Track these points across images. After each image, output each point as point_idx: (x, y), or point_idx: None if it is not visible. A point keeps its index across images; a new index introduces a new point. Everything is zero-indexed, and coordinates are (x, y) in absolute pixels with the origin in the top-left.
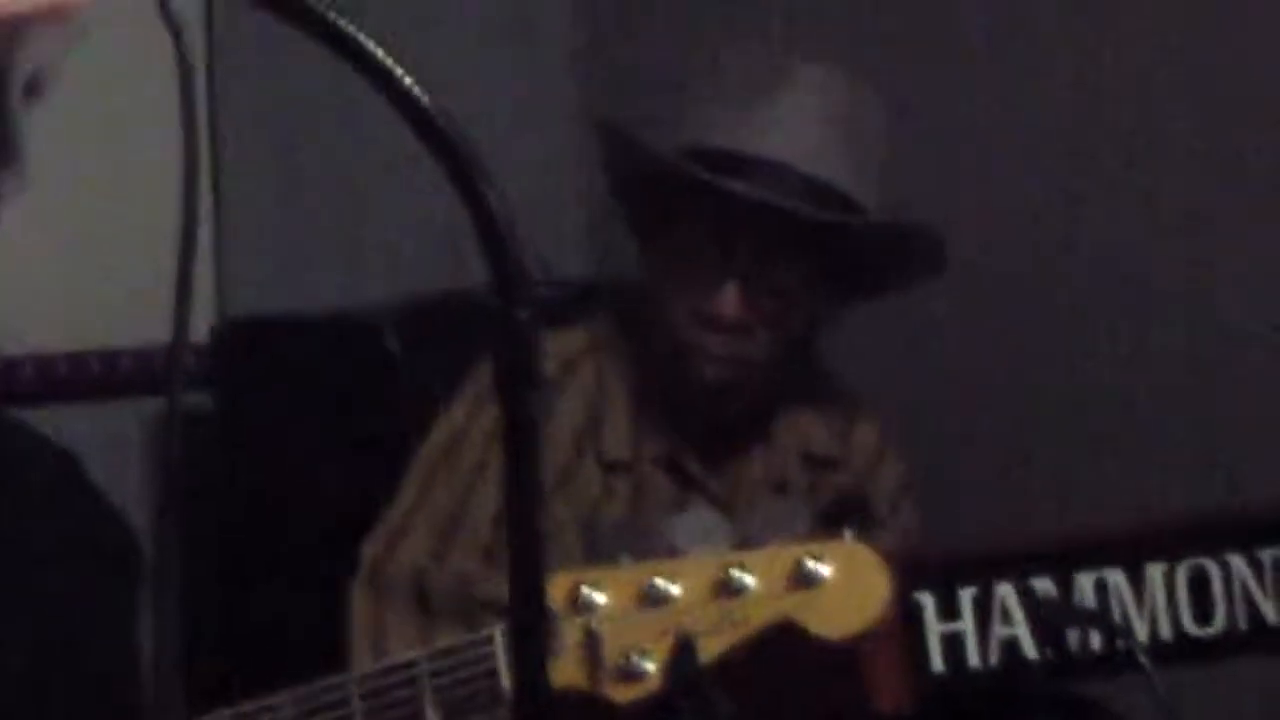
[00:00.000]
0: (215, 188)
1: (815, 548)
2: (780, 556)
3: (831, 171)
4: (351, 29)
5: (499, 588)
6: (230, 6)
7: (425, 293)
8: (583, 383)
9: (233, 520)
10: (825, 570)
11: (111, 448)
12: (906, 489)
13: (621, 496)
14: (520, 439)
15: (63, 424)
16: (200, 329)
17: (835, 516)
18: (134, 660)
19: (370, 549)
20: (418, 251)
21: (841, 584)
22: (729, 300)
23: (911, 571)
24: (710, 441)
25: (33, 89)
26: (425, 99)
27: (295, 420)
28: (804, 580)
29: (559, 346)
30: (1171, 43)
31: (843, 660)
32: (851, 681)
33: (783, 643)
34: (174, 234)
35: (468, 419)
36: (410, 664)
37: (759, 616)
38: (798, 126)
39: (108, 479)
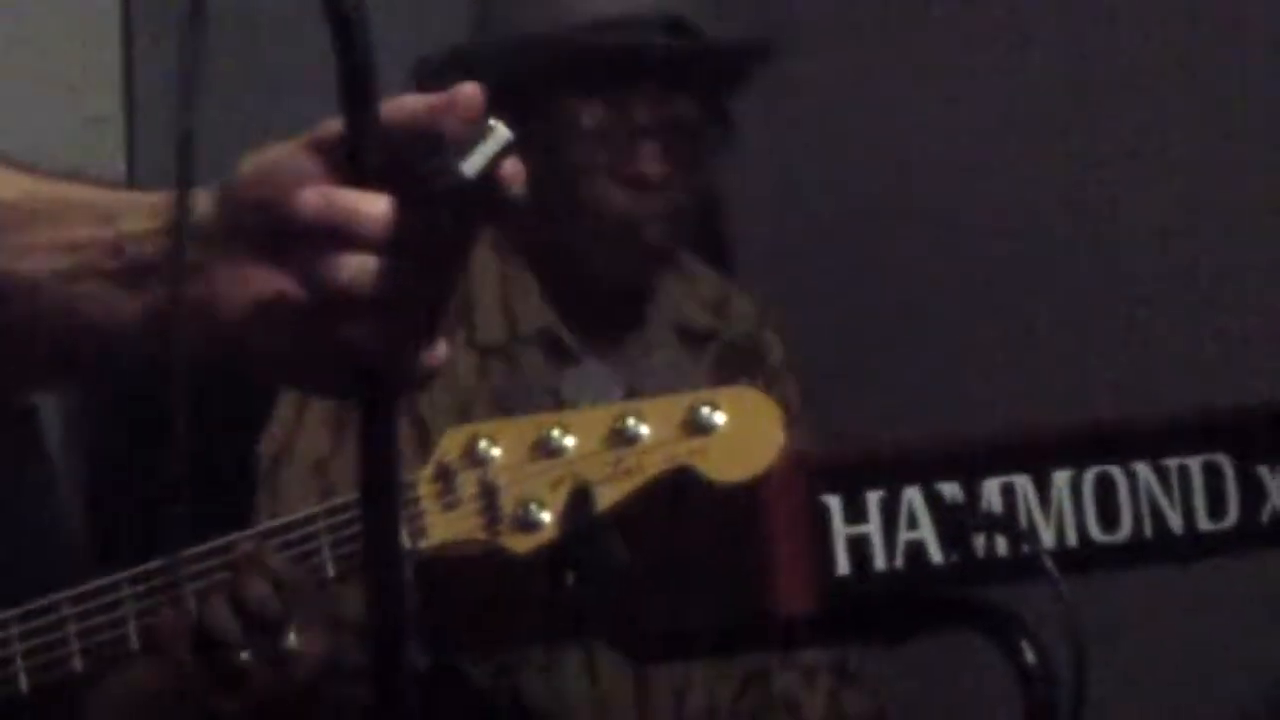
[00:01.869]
0: (127, 82)
1: (708, 394)
2: (674, 404)
3: (680, 8)
4: None
5: None
6: None
7: None
8: None
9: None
10: (719, 417)
11: None
12: (787, 366)
13: (497, 377)
14: None
15: None
16: None
17: (728, 366)
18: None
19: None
20: None
21: (736, 429)
22: (650, 156)
23: (818, 474)
24: (585, 318)
25: None
26: None
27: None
28: (698, 427)
29: None
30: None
31: (739, 506)
32: (749, 528)
33: (678, 489)
34: (81, 130)
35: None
36: (309, 519)
37: (654, 464)
38: None
39: None
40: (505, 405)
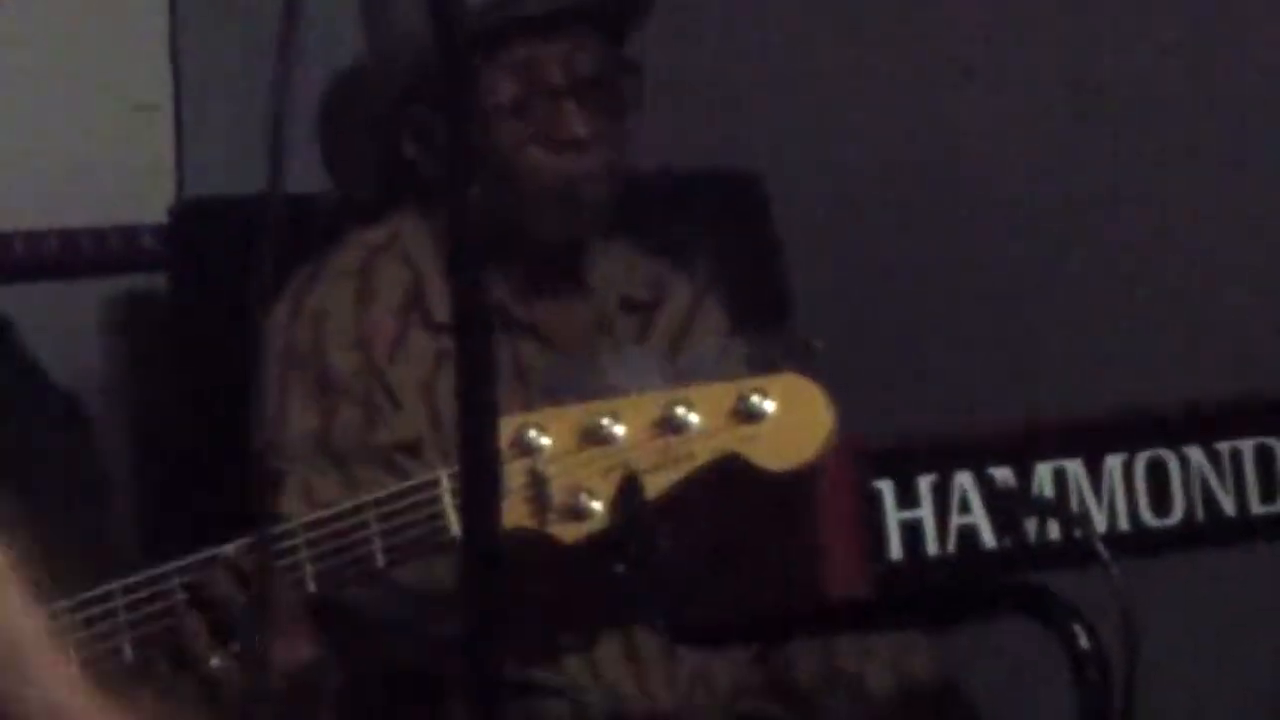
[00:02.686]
0: (175, 70)
1: (758, 382)
2: (723, 392)
3: None
4: None
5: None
6: None
7: None
8: (393, 264)
9: (180, 399)
10: (768, 404)
11: (67, 326)
12: (730, 334)
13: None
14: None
15: (20, 300)
16: (158, 210)
17: (774, 352)
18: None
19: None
20: None
21: (785, 417)
22: (572, 116)
23: (869, 459)
24: (529, 289)
25: None
26: None
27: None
28: (747, 415)
29: (361, 240)
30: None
31: (788, 494)
32: (799, 515)
33: (727, 477)
34: (129, 118)
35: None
36: (358, 508)
37: (703, 452)
38: None
39: (63, 356)
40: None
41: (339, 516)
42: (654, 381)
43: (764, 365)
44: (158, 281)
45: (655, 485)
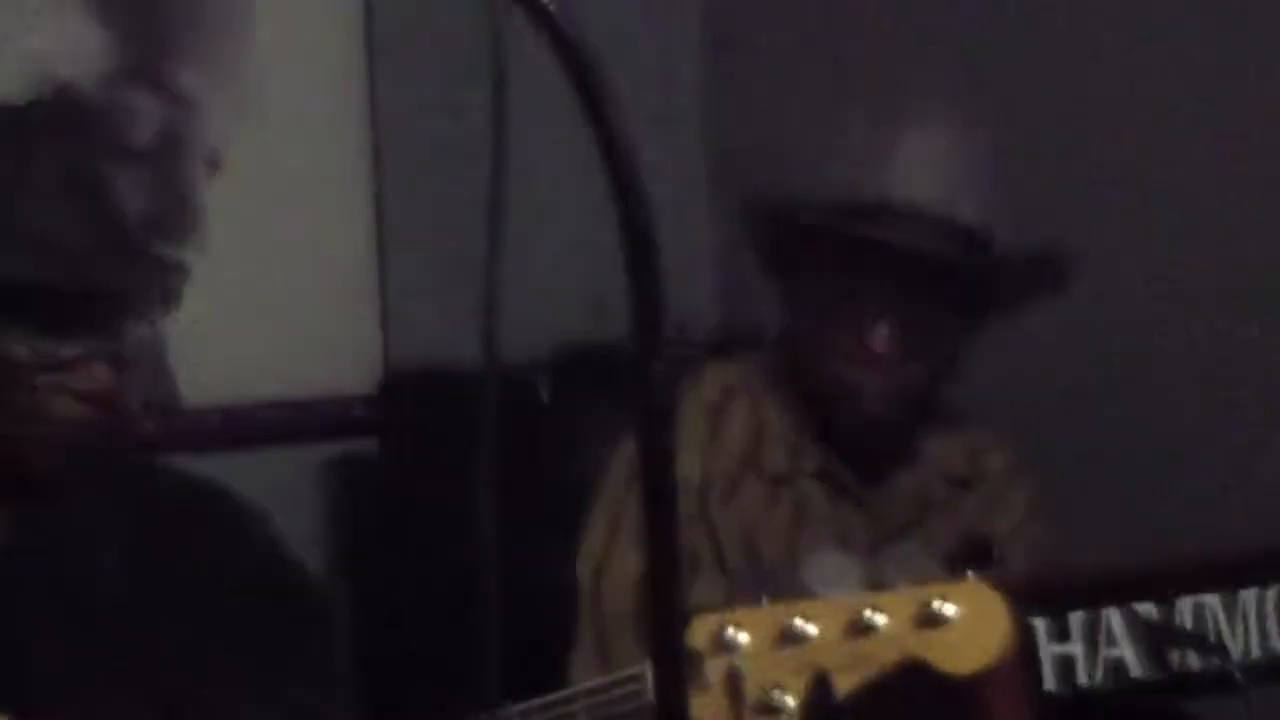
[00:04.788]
0: (380, 246)
1: (942, 589)
2: (909, 597)
3: (960, 211)
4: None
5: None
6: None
7: (572, 344)
8: (742, 407)
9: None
10: (951, 610)
11: (286, 492)
12: (1033, 510)
13: (784, 507)
14: (657, 481)
15: (241, 470)
16: (367, 379)
17: (960, 557)
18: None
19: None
20: (564, 303)
21: (966, 623)
22: (881, 338)
23: (1025, 597)
24: (862, 458)
25: (213, 162)
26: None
27: (452, 466)
28: (931, 620)
29: (717, 376)
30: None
31: (968, 695)
32: (975, 715)
33: (912, 679)
34: (337, 293)
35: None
36: (569, 699)
37: (889, 654)
38: (926, 171)
39: (284, 522)
40: (789, 537)
41: (550, 705)
42: (846, 584)
43: (950, 568)
44: (369, 446)
45: (844, 684)
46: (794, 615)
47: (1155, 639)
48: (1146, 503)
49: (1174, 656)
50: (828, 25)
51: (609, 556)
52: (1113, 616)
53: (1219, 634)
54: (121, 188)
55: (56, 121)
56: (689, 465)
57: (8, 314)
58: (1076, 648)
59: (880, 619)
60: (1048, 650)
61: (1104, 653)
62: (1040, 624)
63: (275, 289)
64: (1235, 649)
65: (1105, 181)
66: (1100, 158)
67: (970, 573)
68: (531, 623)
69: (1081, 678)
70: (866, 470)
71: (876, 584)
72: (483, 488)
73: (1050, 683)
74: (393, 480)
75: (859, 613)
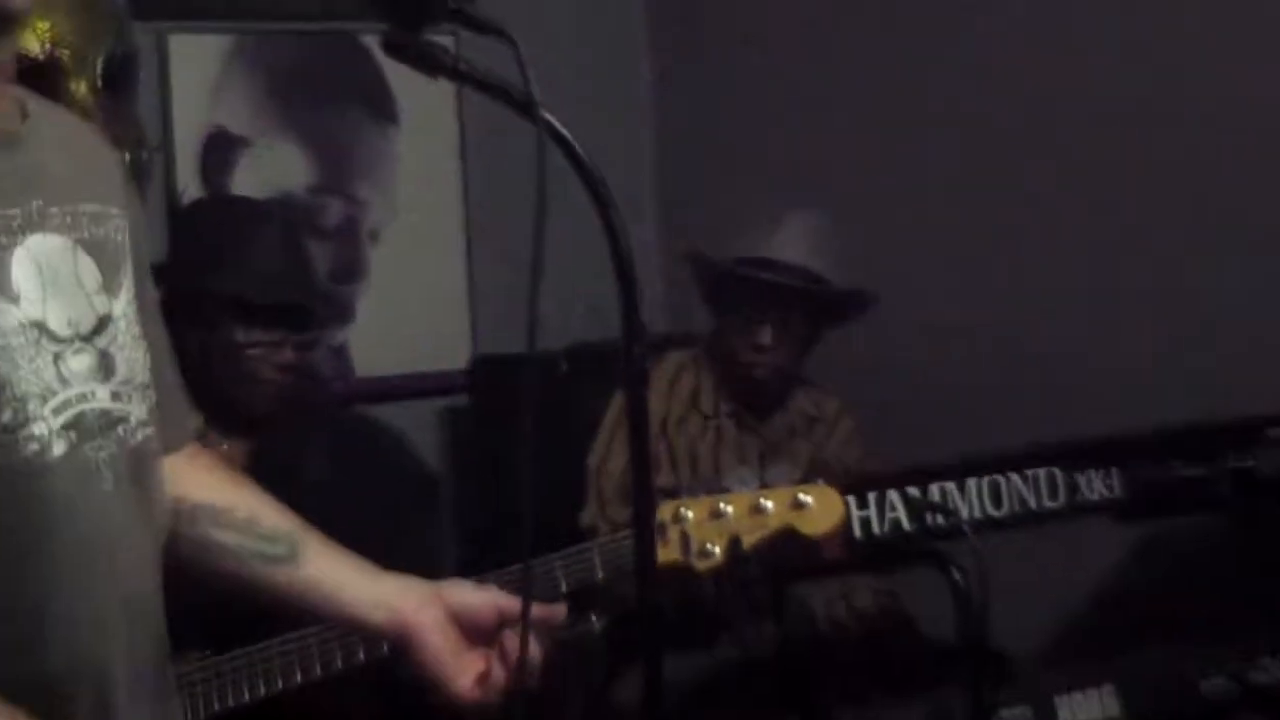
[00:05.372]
0: (469, 251)
1: (804, 488)
2: (785, 491)
3: (815, 264)
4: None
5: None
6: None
7: (587, 341)
8: (688, 374)
9: (478, 471)
10: (809, 499)
11: (414, 431)
12: (853, 435)
13: (711, 434)
14: (637, 421)
15: (386, 415)
16: (461, 357)
17: (813, 472)
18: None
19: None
20: (575, 308)
21: (817, 507)
22: (765, 336)
23: (846, 488)
24: (756, 406)
25: (373, 236)
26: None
27: (512, 413)
28: (797, 505)
29: (672, 359)
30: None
31: (817, 546)
32: (820, 554)
33: (786, 537)
34: (444, 302)
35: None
36: (586, 548)
37: (774, 524)
38: (796, 239)
39: (413, 446)
40: (715, 454)
41: (575, 553)
42: (750, 485)
43: (811, 478)
44: (461, 400)
45: (748, 541)
46: (719, 502)
47: (918, 507)
48: (914, 432)
49: (928, 518)
50: (755, 137)
51: (608, 453)
52: (893, 495)
53: (953, 503)
54: (316, 253)
55: (279, 211)
56: (656, 406)
57: (238, 317)
58: (871, 513)
59: (769, 503)
60: (855, 515)
61: (888, 516)
62: (852, 500)
63: (408, 301)
64: (964, 513)
65: (907, 245)
66: (905, 233)
67: (820, 480)
68: (557, 508)
69: (875, 531)
70: (758, 413)
71: (765, 484)
72: (529, 425)
73: (858, 534)
74: (479, 423)
75: (756, 500)
